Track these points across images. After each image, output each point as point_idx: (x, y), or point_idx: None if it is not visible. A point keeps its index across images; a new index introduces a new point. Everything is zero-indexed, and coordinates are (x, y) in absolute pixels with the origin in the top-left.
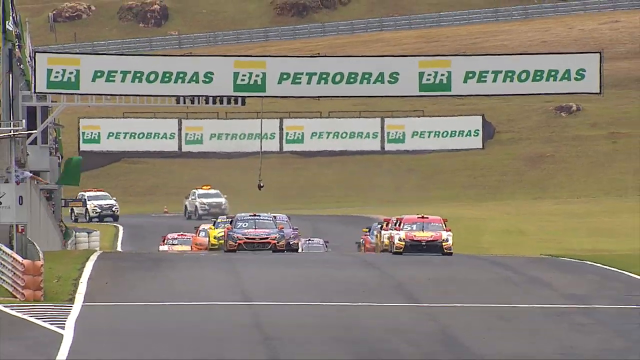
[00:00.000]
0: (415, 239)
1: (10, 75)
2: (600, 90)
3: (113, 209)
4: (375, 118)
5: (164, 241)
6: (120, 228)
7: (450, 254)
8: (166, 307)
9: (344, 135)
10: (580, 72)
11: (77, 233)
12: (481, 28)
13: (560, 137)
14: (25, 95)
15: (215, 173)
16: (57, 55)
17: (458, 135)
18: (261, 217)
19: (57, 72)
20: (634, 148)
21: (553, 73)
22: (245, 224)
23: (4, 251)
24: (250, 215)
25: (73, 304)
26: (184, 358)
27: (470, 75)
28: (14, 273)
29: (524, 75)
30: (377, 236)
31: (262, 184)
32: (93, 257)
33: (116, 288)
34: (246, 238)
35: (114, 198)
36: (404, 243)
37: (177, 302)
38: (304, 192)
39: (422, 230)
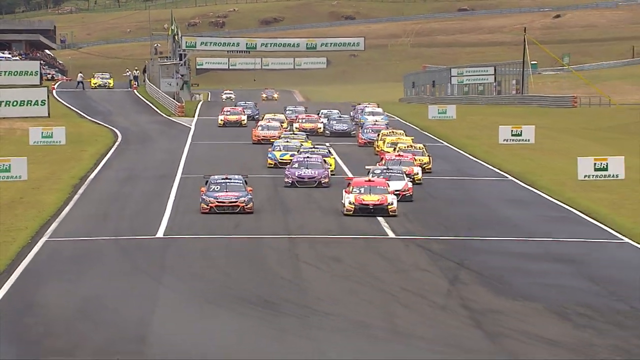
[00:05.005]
0: (363, 202)
1: (174, 44)
2: (364, 49)
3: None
4: (289, 57)
5: (222, 111)
6: (209, 93)
7: (395, 216)
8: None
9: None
10: (358, 43)
11: (195, 95)
12: (321, 30)
13: (353, 66)
14: (177, 50)
15: (242, 77)
16: (188, 37)
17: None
18: (232, 181)
19: (189, 43)
20: (377, 68)
21: (350, 44)
22: (217, 187)
23: (172, 100)
24: (222, 179)
25: (194, 117)
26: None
27: (312, 45)
28: (173, 107)
29: (345, 42)
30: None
31: (255, 79)
32: (200, 103)
33: (208, 111)
34: (217, 201)
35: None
36: (353, 206)
37: None
38: (272, 84)
39: (370, 194)
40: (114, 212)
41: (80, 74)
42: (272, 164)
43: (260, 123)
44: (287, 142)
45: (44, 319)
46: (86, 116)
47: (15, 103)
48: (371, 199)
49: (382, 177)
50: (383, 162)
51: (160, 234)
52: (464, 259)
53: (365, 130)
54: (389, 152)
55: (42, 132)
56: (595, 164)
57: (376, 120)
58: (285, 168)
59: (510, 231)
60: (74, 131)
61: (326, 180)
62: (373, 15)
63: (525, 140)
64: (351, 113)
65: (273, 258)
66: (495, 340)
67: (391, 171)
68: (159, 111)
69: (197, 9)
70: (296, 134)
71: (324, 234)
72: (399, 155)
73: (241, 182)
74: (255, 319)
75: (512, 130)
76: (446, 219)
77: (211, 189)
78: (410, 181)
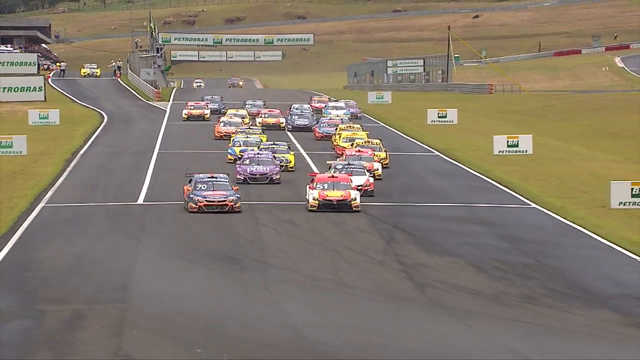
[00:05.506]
0: (327, 198)
1: (152, 39)
2: (314, 43)
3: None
4: (250, 51)
5: (186, 106)
6: (182, 81)
7: (358, 211)
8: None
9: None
10: (308, 38)
11: (170, 82)
12: (277, 28)
13: (304, 58)
14: (155, 44)
15: (210, 67)
16: (164, 34)
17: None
18: (218, 179)
19: (164, 38)
20: (325, 60)
21: (301, 39)
22: (204, 186)
23: (150, 87)
24: (208, 177)
25: (169, 102)
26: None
27: (279, 39)
28: (152, 92)
29: (297, 38)
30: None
31: (221, 69)
32: (175, 90)
33: (182, 95)
34: (206, 201)
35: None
36: (317, 202)
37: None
38: (239, 73)
39: (333, 189)
40: (101, 182)
41: (63, 62)
42: (231, 160)
43: (222, 119)
44: (247, 137)
45: (41, 273)
46: (77, 101)
47: (16, 89)
48: (335, 194)
49: (343, 172)
50: (343, 157)
51: (140, 200)
52: (399, 222)
53: (321, 125)
54: (344, 147)
55: (40, 114)
56: (508, 141)
57: (337, 115)
58: (237, 165)
59: (437, 198)
60: (67, 113)
61: (277, 176)
62: (321, 15)
63: (450, 122)
64: (310, 105)
65: (237, 221)
66: (424, 290)
67: (352, 166)
68: (139, 96)
69: (172, 9)
70: (251, 129)
71: (280, 200)
72: (359, 151)
73: (227, 180)
74: (221, 273)
75: (438, 113)
76: (384, 188)
77: (198, 188)
78: (371, 176)
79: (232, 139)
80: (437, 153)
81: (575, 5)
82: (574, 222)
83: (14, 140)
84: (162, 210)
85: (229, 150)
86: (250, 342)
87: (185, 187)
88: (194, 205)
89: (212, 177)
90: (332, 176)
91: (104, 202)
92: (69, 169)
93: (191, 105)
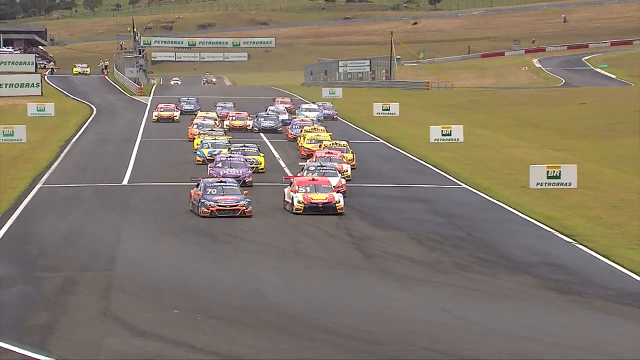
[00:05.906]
0: (312, 201)
1: (135, 42)
2: (275, 46)
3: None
4: (220, 52)
5: (156, 108)
6: (161, 79)
7: (342, 213)
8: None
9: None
10: (271, 42)
11: (150, 79)
12: (243, 32)
13: (267, 59)
14: (137, 47)
15: (185, 66)
16: (145, 37)
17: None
18: (227, 184)
19: (146, 41)
20: (285, 61)
21: (265, 42)
22: (214, 191)
23: (133, 83)
24: (217, 182)
25: (150, 96)
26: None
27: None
28: (134, 88)
29: (261, 41)
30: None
31: (195, 69)
32: (154, 86)
33: (161, 90)
34: (218, 205)
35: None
36: (303, 205)
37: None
38: (210, 72)
39: (316, 192)
40: (91, 166)
41: (51, 63)
42: (200, 161)
43: (195, 121)
44: (215, 139)
45: (39, 245)
46: (70, 95)
47: (16, 85)
48: (319, 197)
49: (316, 173)
50: (314, 159)
51: (125, 182)
52: (349, 200)
53: (293, 126)
54: (309, 148)
55: (37, 107)
56: (442, 130)
57: (307, 116)
58: (209, 167)
59: (381, 179)
60: (61, 106)
61: (250, 179)
62: (282, 22)
63: (392, 114)
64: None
65: None
66: (371, 259)
67: (325, 168)
68: (123, 92)
69: (152, 16)
70: (214, 130)
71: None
72: (329, 152)
73: (236, 184)
74: (196, 245)
75: (383, 106)
76: None
77: (208, 193)
78: (342, 178)
79: (200, 141)
80: (382, 141)
81: (499, 14)
82: (498, 200)
83: (14, 130)
84: (144, 191)
85: (197, 152)
86: (222, 304)
87: (192, 191)
88: (206, 210)
89: (221, 181)
90: (313, 179)
91: (93, 183)
92: (62, 154)
93: (161, 107)
